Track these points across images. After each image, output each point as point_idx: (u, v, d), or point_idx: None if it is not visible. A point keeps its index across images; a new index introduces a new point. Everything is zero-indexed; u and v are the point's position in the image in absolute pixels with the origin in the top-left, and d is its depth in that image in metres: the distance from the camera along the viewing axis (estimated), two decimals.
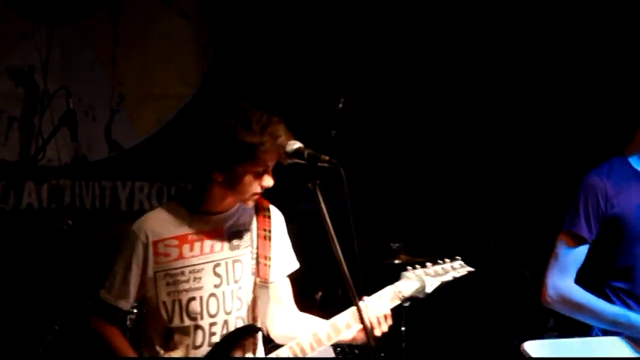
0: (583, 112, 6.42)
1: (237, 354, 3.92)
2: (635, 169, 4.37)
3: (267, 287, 3.97)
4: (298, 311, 4.11)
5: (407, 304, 5.51)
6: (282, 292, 4.06)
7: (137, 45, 6.79)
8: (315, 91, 6.50)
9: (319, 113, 5.80)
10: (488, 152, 6.67)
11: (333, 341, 3.97)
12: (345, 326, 3.93)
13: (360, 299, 3.75)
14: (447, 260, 4.15)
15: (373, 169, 6.45)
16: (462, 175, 6.65)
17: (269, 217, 4.01)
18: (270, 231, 4.00)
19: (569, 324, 4.51)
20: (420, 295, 4.06)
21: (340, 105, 5.78)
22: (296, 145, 3.77)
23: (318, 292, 5.94)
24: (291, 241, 4.10)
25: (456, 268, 4.13)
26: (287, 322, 4.06)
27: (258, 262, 3.97)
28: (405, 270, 4.07)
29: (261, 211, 4.03)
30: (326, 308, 4.31)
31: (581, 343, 4.34)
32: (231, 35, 6.79)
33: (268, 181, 3.86)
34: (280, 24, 6.72)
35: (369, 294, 3.92)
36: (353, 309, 3.86)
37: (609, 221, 4.31)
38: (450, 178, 6.62)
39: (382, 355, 5.61)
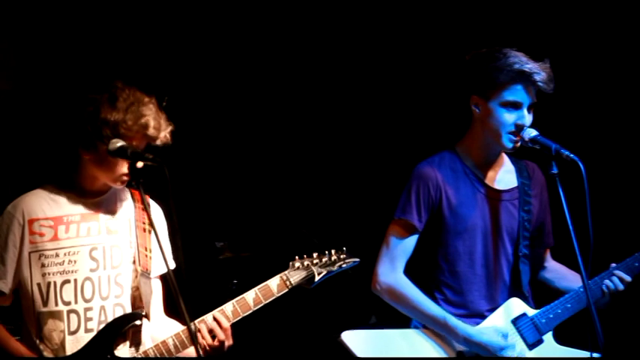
0: (407, 107, 6.54)
1: (119, 342, 3.86)
2: (464, 165, 4.51)
3: (149, 278, 3.94)
4: (164, 315, 4.10)
5: None
6: (154, 290, 4.02)
7: None
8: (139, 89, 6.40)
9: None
10: (313, 147, 6.70)
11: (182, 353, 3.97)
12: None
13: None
14: (333, 252, 4.24)
15: (196, 167, 6.41)
16: (286, 172, 6.67)
17: (148, 211, 3.95)
18: (149, 224, 3.95)
19: (391, 321, 4.62)
20: (308, 285, 4.16)
21: (164, 103, 5.73)
22: (119, 143, 3.72)
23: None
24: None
25: (342, 259, 4.23)
26: (153, 323, 4.02)
27: (138, 252, 3.93)
28: (293, 260, 4.15)
29: (139, 203, 3.97)
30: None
31: (395, 333, 4.47)
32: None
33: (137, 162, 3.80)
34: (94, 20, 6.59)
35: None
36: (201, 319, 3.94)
37: (437, 212, 4.45)
38: (273, 176, 6.64)
39: None
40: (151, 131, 3.77)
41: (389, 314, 4.61)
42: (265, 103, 6.59)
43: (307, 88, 6.58)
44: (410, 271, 4.49)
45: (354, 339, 4.39)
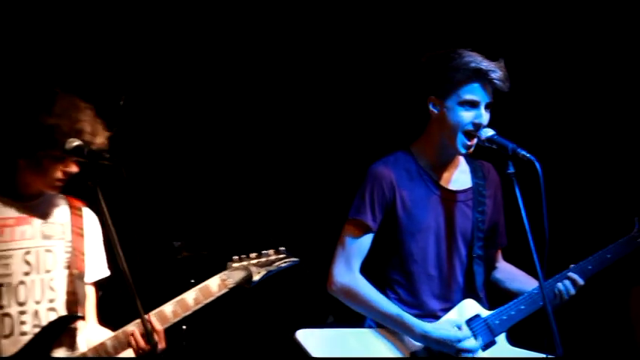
0: (363, 107, 6.55)
1: (54, 346, 3.85)
2: (419, 165, 4.52)
3: (84, 282, 3.93)
4: (97, 322, 4.09)
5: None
6: (88, 296, 4.01)
7: None
8: (96, 87, 6.36)
9: (100, 110, 5.69)
10: (270, 146, 6.70)
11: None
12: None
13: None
14: (271, 251, 4.27)
15: (154, 167, 6.38)
16: (243, 171, 6.66)
17: (82, 216, 3.95)
18: (83, 229, 3.96)
19: (348, 321, 4.61)
20: (247, 285, 4.18)
21: (121, 102, 5.71)
22: (75, 142, 3.72)
23: None
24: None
25: (281, 259, 4.27)
26: (87, 328, 4.01)
27: (74, 255, 3.92)
28: (230, 260, 4.18)
29: (75, 209, 3.98)
30: None
31: (349, 333, 4.47)
32: None
33: (71, 168, 3.80)
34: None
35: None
36: (137, 322, 3.91)
37: (391, 212, 4.45)
38: (230, 174, 6.62)
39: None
40: (86, 137, 3.76)
41: (347, 314, 4.60)
42: (219, 100, 6.58)
43: (262, 87, 6.57)
44: (364, 271, 4.48)
45: (308, 338, 4.39)
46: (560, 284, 4.48)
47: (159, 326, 3.94)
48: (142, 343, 3.89)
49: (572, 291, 4.48)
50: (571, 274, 4.50)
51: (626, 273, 5.66)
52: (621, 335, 6.03)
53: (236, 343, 6.57)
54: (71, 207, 3.99)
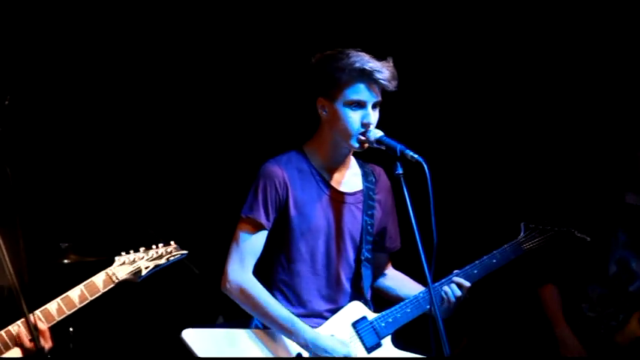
0: (256, 106, 6.55)
1: None
2: (311, 166, 4.52)
3: None
4: None
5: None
6: None
7: None
8: None
9: None
10: (164, 147, 6.64)
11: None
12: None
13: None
14: (160, 245, 4.26)
15: (41, 167, 6.28)
16: (136, 173, 6.59)
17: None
18: None
19: (239, 321, 4.60)
20: (136, 279, 4.18)
21: (6, 102, 5.59)
22: None
23: None
24: None
25: (170, 252, 4.27)
26: None
27: None
28: (119, 255, 4.17)
29: None
30: None
31: (236, 333, 4.45)
32: None
33: None
34: None
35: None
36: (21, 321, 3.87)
37: (283, 211, 4.45)
38: (122, 176, 6.55)
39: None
40: None
41: (237, 314, 4.58)
42: (108, 100, 6.50)
43: (150, 86, 6.52)
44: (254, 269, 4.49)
45: (194, 338, 4.35)
46: (446, 287, 4.52)
47: (43, 325, 3.87)
48: (26, 342, 3.82)
49: (459, 293, 4.52)
50: (456, 278, 4.54)
51: (529, 275, 5.80)
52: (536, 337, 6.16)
53: (124, 344, 6.50)
54: None
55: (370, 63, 4.35)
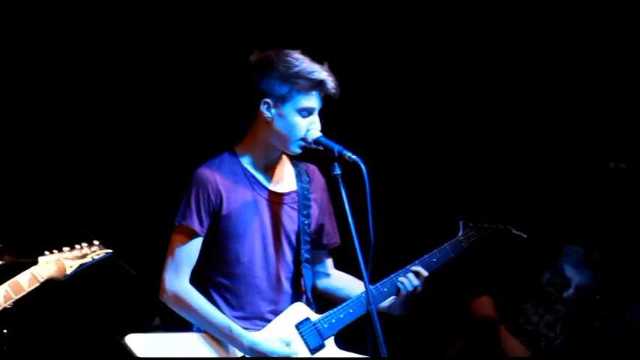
0: (188, 108, 6.52)
1: None
2: (245, 168, 4.50)
3: None
4: None
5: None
6: None
7: None
8: None
9: None
10: (97, 149, 6.58)
11: None
12: None
13: None
14: (84, 244, 4.32)
15: None
16: (70, 175, 6.53)
17: None
18: None
19: (176, 323, 4.58)
20: (61, 278, 4.25)
21: None
22: None
23: None
24: None
25: (94, 251, 4.33)
26: None
27: None
28: (42, 254, 4.22)
29: None
30: None
31: (179, 337, 4.45)
32: None
33: None
34: None
35: None
36: None
37: (217, 215, 4.43)
38: (57, 178, 6.48)
39: None
40: None
41: (174, 315, 4.56)
42: (46, 100, 6.44)
43: (81, 85, 6.46)
44: (192, 275, 4.46)
45: (138, 342, 4.33)
46: (402, 277, 4.54)
47: None
48: None
49: (417, 282, 4.54)
50: (414, 267, 4.56)
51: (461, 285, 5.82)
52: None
53: (59, 347, 6.44)
54: None
55: (324, 73, 4.41)
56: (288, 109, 4.41)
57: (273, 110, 4.44)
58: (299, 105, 4.40)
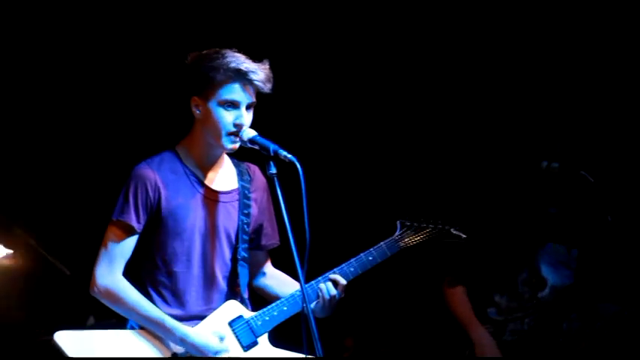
0: (127, 107, 6.48)
1: None
2: (185, 166, 4.50)
3: None
4: None
5: None
6: None
7: None
8: None
9: None
10: (37, 147, 6.53)
11: None
12: None
13: None
14: None
15: None
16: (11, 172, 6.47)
17: None
18: None
19: (111, 321, 4.55)
20: None
21: None
22: None
23: None
24: None
25: None
26: None
27: None
28: None
29: None
30: None
31: (110, 334, 4.41)
32: None
33: None
34: None
35: None
36: None
37: (155, 212, 4.42)
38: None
39: None
40: None
41: (109, 315, 4.53)
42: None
43: (25, 81, 6.40)
44: (128, 273, 4.43)
45: (67, 340, 4.29)
46: (322, 284, 4.54)
47: None
48: None
49: (334, 291, 4.54)
50: (332, 275, 4.57)
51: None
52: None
53: None
54: None
55: (245, 64, 4.37)
56: (213, 104, 4.40)
57: (200, 107, 4.44)
58: (221, 97, 4.38)
